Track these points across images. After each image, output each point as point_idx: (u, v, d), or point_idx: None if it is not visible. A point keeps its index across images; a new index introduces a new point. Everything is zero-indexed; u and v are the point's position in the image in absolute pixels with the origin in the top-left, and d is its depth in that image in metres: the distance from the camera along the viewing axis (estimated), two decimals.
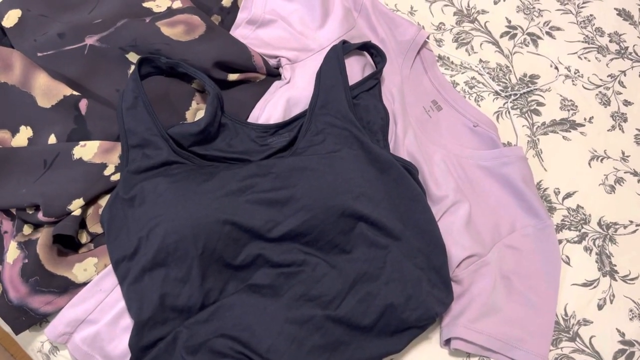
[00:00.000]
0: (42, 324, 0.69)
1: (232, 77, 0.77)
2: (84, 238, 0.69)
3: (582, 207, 0.82)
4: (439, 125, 0.85)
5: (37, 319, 0.66)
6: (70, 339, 0.66)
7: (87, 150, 0.69)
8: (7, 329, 0.68)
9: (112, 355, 0.65)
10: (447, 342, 0.70)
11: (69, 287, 0.67)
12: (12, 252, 0.67)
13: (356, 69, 0.81)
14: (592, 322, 0.74)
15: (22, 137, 0.72)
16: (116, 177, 0.69)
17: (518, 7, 0.99)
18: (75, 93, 0.72)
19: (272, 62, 0.82)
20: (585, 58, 0.96)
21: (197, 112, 0.76)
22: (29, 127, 0.72)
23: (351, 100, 0.74)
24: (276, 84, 0.81)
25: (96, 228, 0.69)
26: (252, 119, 0.78)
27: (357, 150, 0.71)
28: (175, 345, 0.62)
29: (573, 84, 0.93)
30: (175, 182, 0.66)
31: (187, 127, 0.70)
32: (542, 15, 0.99)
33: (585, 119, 0.90)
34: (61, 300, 0.67)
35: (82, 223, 0.69)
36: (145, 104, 0.69)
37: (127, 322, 0.66)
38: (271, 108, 0.77)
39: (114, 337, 0.66)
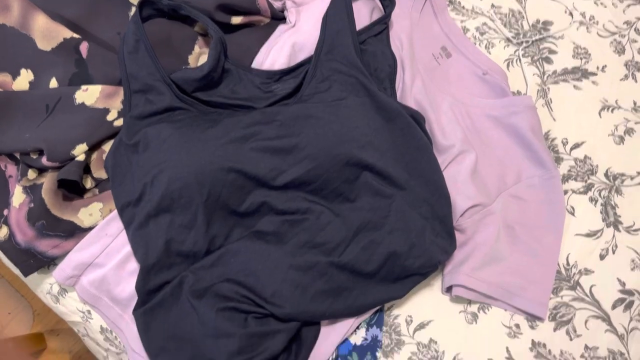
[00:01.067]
0: (50, 267, 0.70)
1: (236, 20, 0.75)
2: (88, 183, 0.69)
3: (590, 158, 0.81)
4: (447, 72, 0.83)
5: (44, 261, 0.67)
6: (78, 282, 0.68)
7: (89, 95, 0.68)
8: (17, 271, 0.69)
9: (119, 298, 0.67)
10: (449, 290, 0.71)
11: (75, 231, 0.68)
12: (18, 196, 0.67)
13: (364, 12, 0.78)
14: (593, 272, 0.75)
15: (23, 80, 0.71)
16: (119, 122, 0.69)
17: None
18: (75, 36, 0.70)
19: (277, 4, 0.80)
20: (601, 4, 0.92)
21: (200, 56, 0.75)
22: (29, 70, 0.71)
23: (358, 46, 0.72)
24: (281, 27, 0.79)
25: (101, 173, 0.69)
26: (256, 64, 0.76)
27: (363, 97, 0.70)
28: (181, 289, 0.63)
29: (587, 31, 0.90)
30: (178, 128, 0.66)
31: (190, 73, 0.69)
32: None
33: (597, 68, 0.87)
34: (68, 244, 0.68)
35: (86, 168, 0.69)
36: (147, 48, 0.68)
37: (134, 266, 0.67)
38: (276, 53, 0.76)
39: (120, 280, 0.67)
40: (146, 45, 0.68)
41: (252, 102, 0.72)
